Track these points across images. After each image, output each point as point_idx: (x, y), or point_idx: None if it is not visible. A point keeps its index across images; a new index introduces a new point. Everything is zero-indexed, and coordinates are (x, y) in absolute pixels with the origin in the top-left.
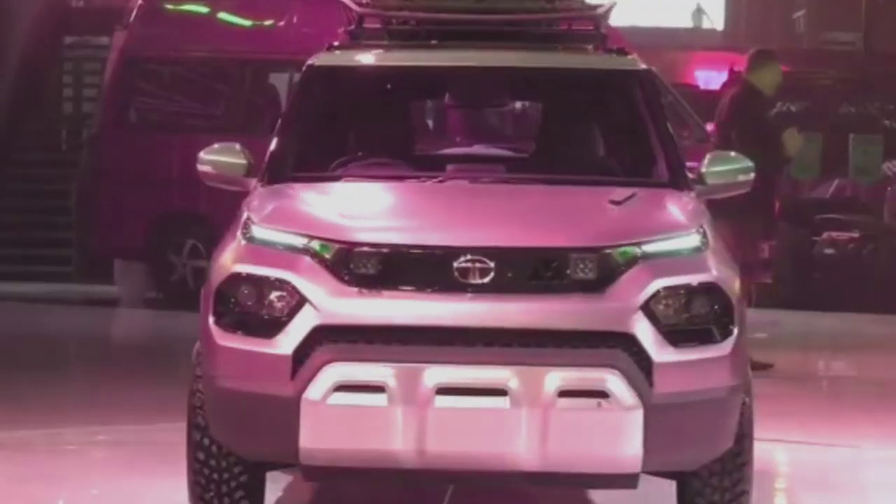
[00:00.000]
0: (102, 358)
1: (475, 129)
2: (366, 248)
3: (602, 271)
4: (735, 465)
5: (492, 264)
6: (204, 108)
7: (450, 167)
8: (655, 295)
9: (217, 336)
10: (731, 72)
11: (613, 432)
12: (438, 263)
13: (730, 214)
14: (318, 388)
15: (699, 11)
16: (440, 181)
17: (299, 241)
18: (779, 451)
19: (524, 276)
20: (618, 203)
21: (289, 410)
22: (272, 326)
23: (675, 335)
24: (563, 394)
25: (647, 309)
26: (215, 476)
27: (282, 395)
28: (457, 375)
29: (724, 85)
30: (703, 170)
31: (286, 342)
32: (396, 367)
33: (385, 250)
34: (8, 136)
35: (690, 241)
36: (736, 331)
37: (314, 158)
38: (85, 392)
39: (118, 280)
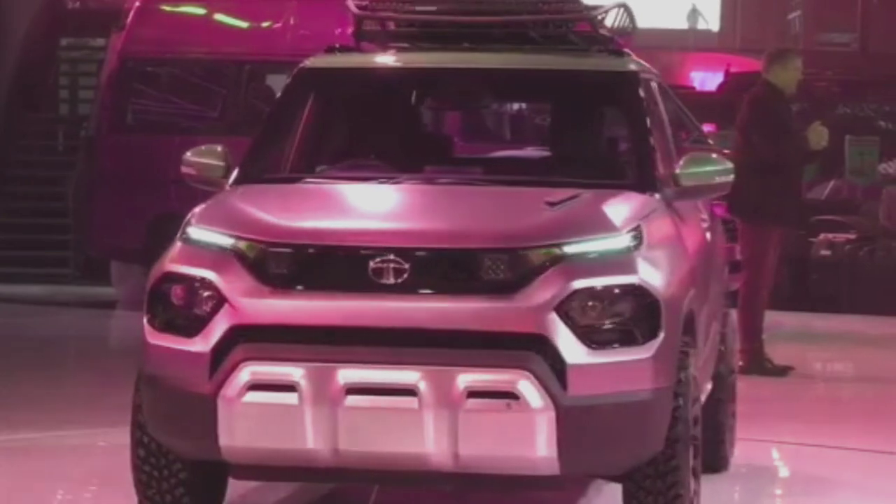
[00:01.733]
0: (100, 359)
1: (468, 131)
2: (282, 248)
3: (517, 272)
4: (668, 468)
5: (406, 265)
6: (201, 110)
7: (421, 170)
8: (571, 296)
9: (148, 334)
10: (727, 73)
11: (524, 434)
12: (354, 264)
13: (745, 214)
14: (233, 387)
15: (695, 12)
16: (396, 183)
17: (226, 242)
18: (775, 452)
19: (438, 277)
20: (553, 204)
21: (208, 409)
22: (195, 325)
23: (592, 337)
24: (472, 395)
25: (562, 310)
26: (156, 473)
27: (201, 393)
28: (367, 375)
29: (720, 86)
30: (678, 171)
31: (205, 341)
32: (308, 366)
33: (300, 250)
34: (5, 137)
35: (617, 242)
36: (662, 334)
37: (298, 160)
38: (83, 394)
39: (116, 281)
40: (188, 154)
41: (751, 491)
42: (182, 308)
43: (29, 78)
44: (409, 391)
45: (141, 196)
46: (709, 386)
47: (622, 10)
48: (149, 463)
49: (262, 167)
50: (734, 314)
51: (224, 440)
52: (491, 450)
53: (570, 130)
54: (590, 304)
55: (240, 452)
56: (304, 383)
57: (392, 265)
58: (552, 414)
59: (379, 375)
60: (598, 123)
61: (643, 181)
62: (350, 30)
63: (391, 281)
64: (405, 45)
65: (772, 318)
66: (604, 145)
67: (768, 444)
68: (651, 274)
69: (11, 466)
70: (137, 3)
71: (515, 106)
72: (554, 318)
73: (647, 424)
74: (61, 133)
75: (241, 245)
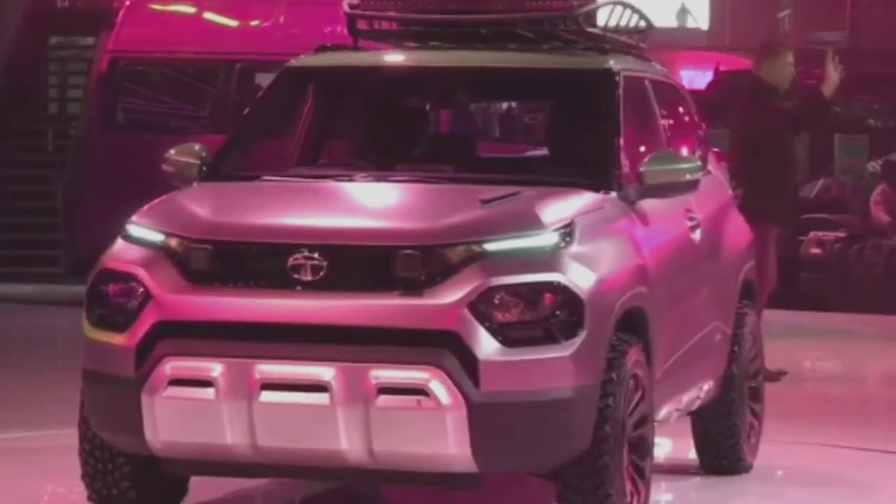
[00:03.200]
0: None
1: (452, 128)
2: (204, 245)
3: (432, 270)
4: (596, 467)
5: (324, 262)
6: (191, 109)
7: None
8: (486, 293)
9: (86, 329)
10: (717, 71)
11: (435, 431)
12: (273, 260)
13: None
14: (154, 382)
15: (684, 11)
16: (349, 181)
17: (158, 238)
18: (768, 451)
19: (355, 274)
20: (487, 202)
21: (133, 404)
22: (125, 321)
23: (508, 334)
24: (384, 391)
25: (476, 307)
26: (100, 467)
27: (128, 388)
28: (281, 371)
29: (710, 85)
30: (642, 169)
31: (132, 336)
32: (224, 362)
33: (220, 247)
34: None
35: (541, 240)
36: (585, 332)
37: (273, 158)
38: (74, 393)
39: None
40: (169, 153)
41: (738, 491)
42: (115, 304)
43: (18, 77)
44: (322, 387)
45: (131, 195)
46: (706, 387)
47: (625, 9)
48: (93, 457)
49: (231, 165)
50: (752, 316)
51: (148, 435)
52: (404, 447)
53: (537, 128)
54: (506, 301)
55: (164, 447)
56: (220, 379)
57: (309, 262)
58: (463, 411)
59: (292, 371)
60: (569, 121)
61: (598, 179)
62: (340, 28)
63: (309, 278)
64: (398, 43)
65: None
66: (573, 143)
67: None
68: (577, 272)
69: (3, 465)
70: (127, 2)
71: (504, 105)
72: (466, 315)
73: (568, 423)
74: (51, 132)
75: (170, 242)
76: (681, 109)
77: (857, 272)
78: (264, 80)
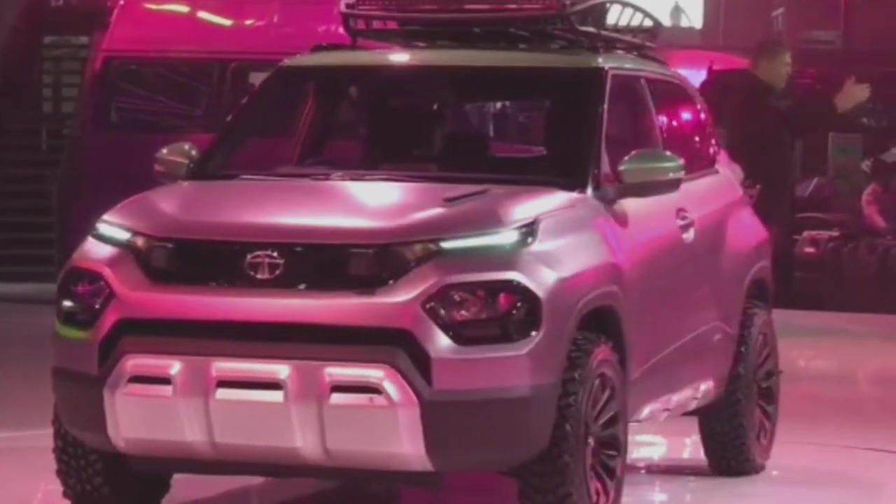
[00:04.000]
0: None
1: (438, 128)
2: (165, 243)
3: (387, 268)
4: (556, 466)
5: (281, 260)
6: (185, 108)
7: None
8: (440, 291)
9: (56, 325)
10: (710, 70)
11: (388, 428)
12: (231, 258)
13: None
14: (115, 379)
15: (678, 10)
16: (324, 180)
17: (124, 236)
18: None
19: (311, 272)
20: (451, 200)
21: (97, 400)
22: (91, 318)
23: (462, 332)
24: (337, 389)
25: (430, 305)
26: (73, 463)
27: (92, 385)
28: (236, 369)
29: (703, 84)
30: (621, 168)
31: (96, 334)
32: (182, 359)
33: (180, 244)
34: None
35: (500, 238)
36: (542, 330)
37: (260, 156)
38: None
39: None
40: (161, 152)
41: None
42: (82, 302)
43: (12, 76)
44: (276, 385)
45: (124, 194)
46: (703, 387)
47: (629, 8)
48: (66, 453)
49: (215, 163)
50: (763, 316)
51: (111, 431)
52: (358, 444)
53: (530, 128)
54: (461, 299)
55: (127, 444)
56: (178, 376)
57: (266, 260)
58: (416, 409)
59: (247, 369)
60: (550, 120)
61: (573, 178)
62: (334, 27)
63: (266, 276)
64: (394, 43)
65: None
66: (552, 142)
67: None
68: (536, 270)
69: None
70: (121, 1)
71: (498, 104)
72: (420, 313)
73: (525, 421)
74: (45, 131)
75: (135, 240)
76: (687, 108)
77: (851, 271)
78: (258, 79)
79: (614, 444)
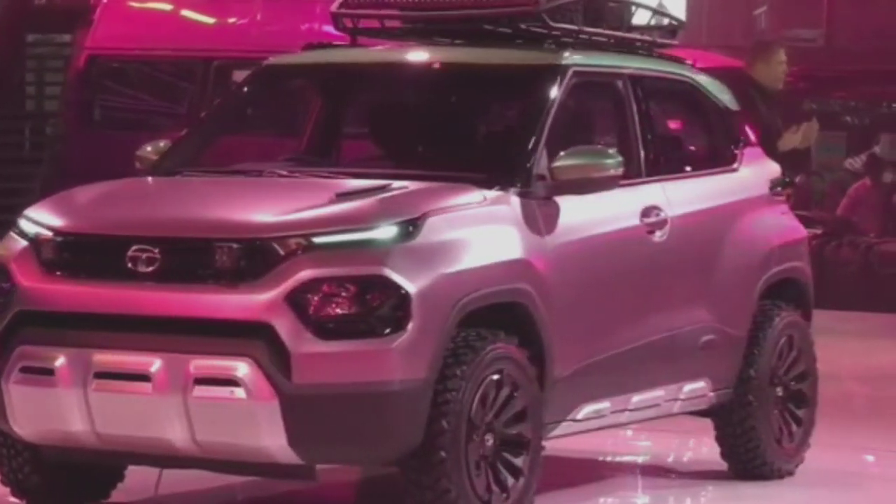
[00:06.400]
0: None
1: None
2: (58, 237)
3: (257, 262)
4: (431, 462)
5: (157, 254)
6: (168, 107)
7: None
8: (305, 285)
9: None
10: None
11: (249, 421)
12: (113, 252)
13: None
14: (10, 370)
15: (660, 7)
16: (251, 176)
17: (32, 231)
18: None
19: (185, 266)
20: (342, 195)
21: (1, 391)
22: (1, 309)
23: (326, 326)
24: (200, 381)
25: (295, 299)
26: (4, 451)
27: None
28: (111, 360)
29: None
30: (553, 164)
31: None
32: (65, 351)
33: (69, 238)
34: None
35: (374, 233)
36: (412, 325)
37: (223, 154)
38: None
39: None
40: (142, 149)
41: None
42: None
43: None
44: (146, 377)
45: None
46: (688, 388)
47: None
48: None
49: (174, 160)
50: (787, 318)
51: (11, 421)
52: (224, 437)
53: (454, 123)
54: (327, 293)
55: (27, 434)
56: (60, 367)
57: (145, 254)
58: (275, 402)
59: (121, 361)
60: (494, 116)
61: (495, 175)
62: (317, 25)
63: (144, 269)
64: (387, 41)
65: None
66: (488, 139)
67: None
68: (411, 266)
69: None
70: (104, 0)
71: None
72: (282, 306)
73: (392, 416)
74: (28, 129)
75: (39, 234)
76: (696, 106)
77: (835, 269)
78: (241, 77)
79: (521, 442)
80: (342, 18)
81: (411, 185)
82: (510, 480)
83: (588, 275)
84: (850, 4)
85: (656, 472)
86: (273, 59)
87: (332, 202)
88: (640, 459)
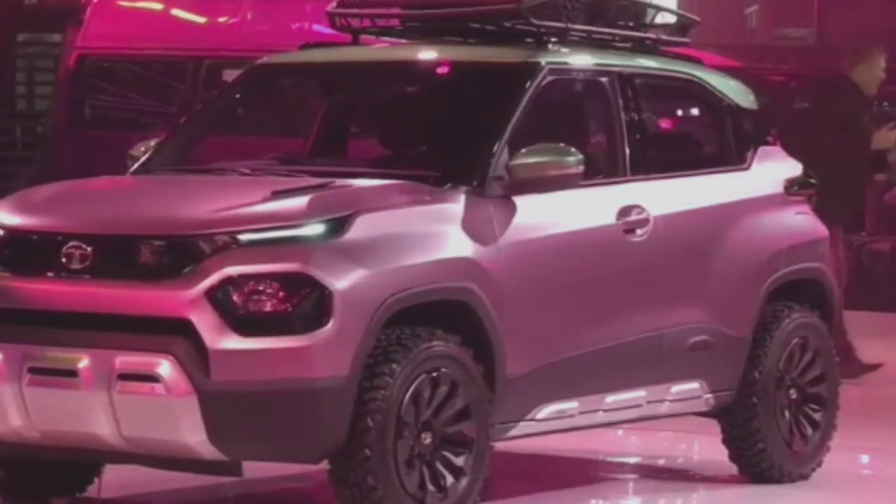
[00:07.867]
0: None
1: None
2: (3, 233)
3: (180, 258)
4: (356, 460)
5: (89, 251)
6: (159, 106)
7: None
8: (224, 282)
9: None
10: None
11: (169, 417)
12: (50, 249)
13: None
14: None
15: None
16: (217, 175)
17: None
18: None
19: (112, 263)
20: (279, 194)
21: None
22: None
23: (245, 323)
24: (123, 377)
25: (215, 296)
26: None
27: None
28: (43, 356)
29: None
30: (510, 163)
31: None
32: (2, 347)
33: (11, 235)
34: None
35: (299, 231)
36: (333, 323)
37: (206, 153)
38: None
39: None
40: (135, 148)
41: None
42: None
43: None
44: (72, 372)
45: None
46: (676, 389)
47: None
48: None
49: (158, 159)
50: (799, 319)
51: None
52: (148, 432)
53: (423, 121)
54: (248, 290)
55: None
56: None
57: (77, 251)
58: (193, 398)
59: (52, 357)
60: (457, 114)
61: (447, 174)
62: (308, 25)
63: (76, 266)
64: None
65: None
66: (445, 137)
67: None
68: (335, 264)
69: None
70: None
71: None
72: (201, 302)
73: (312, 413)
74: (19, 129)
75: None
76: (700, 105)
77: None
78: (232, 76)
79: (462, 441)
80: (337, 18)
81: (356, 184)
82: (450, 480)
83: (549, 274)
84: (840, 3)
85: (648, 472)
86: (278, 59)
87: (264, 200)
88: (632, 460)
